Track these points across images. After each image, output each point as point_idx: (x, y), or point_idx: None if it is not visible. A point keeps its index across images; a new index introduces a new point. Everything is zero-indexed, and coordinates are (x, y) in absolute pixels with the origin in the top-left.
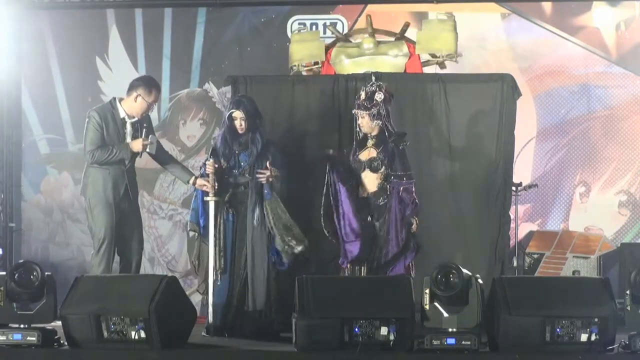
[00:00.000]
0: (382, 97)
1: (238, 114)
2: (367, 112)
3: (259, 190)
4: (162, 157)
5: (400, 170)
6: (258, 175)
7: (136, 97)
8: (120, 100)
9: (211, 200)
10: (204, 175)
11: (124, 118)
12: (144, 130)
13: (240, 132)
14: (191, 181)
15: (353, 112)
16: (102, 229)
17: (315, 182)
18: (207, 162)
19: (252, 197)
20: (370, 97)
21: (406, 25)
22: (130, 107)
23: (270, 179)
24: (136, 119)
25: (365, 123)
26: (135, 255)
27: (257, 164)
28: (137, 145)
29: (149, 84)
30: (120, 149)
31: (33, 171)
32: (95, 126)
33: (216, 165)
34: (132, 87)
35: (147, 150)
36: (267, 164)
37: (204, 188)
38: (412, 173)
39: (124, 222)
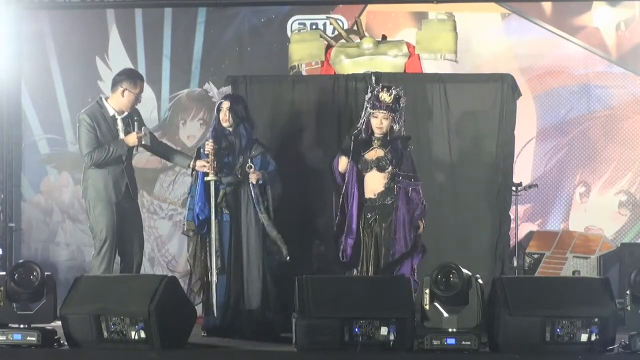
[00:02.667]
0: (405, 102)
1: (224, 104)
2: (394, 114)
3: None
4: (159, 148)
5: (408, 171)
6: (251, 175)
7: (123, 92)
8: (107, 98)
9: (211, 180)
10: (201, 157)
11: (113, 115)
12: (135, 123)
13: (224, 123)
14: (191, 164)
15: (373, 111)
16: (103, 230)
17: (314, 181)
18: (206, 143)
19: (244, 197)
20: (397, 100)
21: (360, 23)
22: (119, 102)
23: (260, 181)
24: (126, 113)
25: (386, 124)
26: (136, 255)
27: (241, 159)
28: (131, 139)
29: (132, 76)
30: (116, 146)
31: (33, 171)
32: (87, 128)
33: (215, 146)
34: (116, 82)
35: (142, 142)
36: (251, 168)
37: (204, 169)
38: (419, 175)
39: (124, 221)
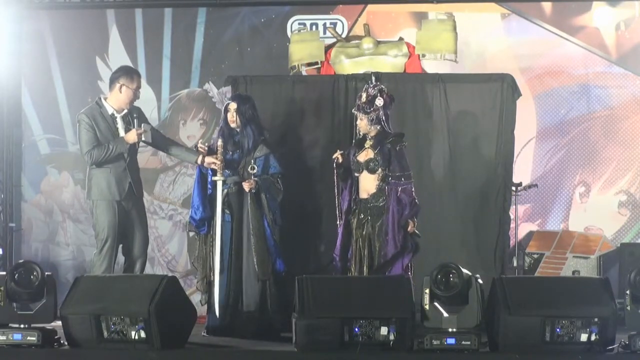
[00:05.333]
0: (382, 102)
1: (232, 106)
2: (366, 115)
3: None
4: (162, 143)
5: (398, 171)
6: (244, 184)
7: (120, 88)
8: (105, 98)
9: (219, 180)
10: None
11: (112, 114)
12: (135, 120)
13: (232, 124)
14: (199, 160)
15: (353, 111)
16: (105, 229)
17: (313, 181)
18: (216, 143)
19: (247, 197)
20: (370, 101)
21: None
22: (118, 99)
23: (253, 190)
24: (125, 111)
25: (363, 125)
26: (140, 255)
27: (247, 161)
28: (131, 136)
29: (128, 71)
30: (116, 143)
31: (33, 171)
32: (86, 127)
33: (221, 144)
34: (114, 79)
35: (143, 138)
36: (254, 169)
37: (213, 165)
38: (411, 174)
39: (128, 221)
